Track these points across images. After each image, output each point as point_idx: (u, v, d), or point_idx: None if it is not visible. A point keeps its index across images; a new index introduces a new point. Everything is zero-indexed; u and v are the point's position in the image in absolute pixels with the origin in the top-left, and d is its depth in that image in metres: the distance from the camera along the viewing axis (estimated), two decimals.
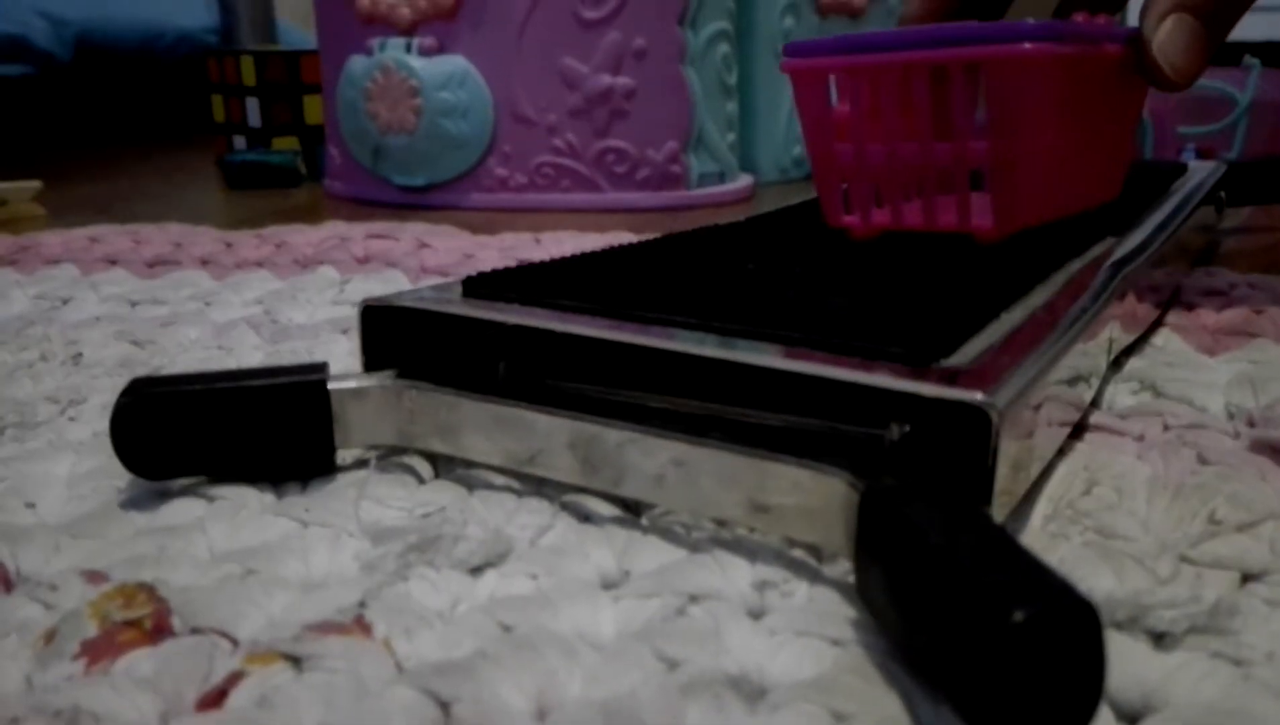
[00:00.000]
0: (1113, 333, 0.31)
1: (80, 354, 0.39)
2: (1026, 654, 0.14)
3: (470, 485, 0.25)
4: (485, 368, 0.26)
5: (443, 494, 0.25)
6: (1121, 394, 0.32)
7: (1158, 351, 0.36)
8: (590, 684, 0.17)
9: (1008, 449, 0.20)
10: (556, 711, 0.17)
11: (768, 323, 0.23)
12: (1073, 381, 0.26)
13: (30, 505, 0.25)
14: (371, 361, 0.28)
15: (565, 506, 0.24)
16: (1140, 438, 0.27)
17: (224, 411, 0.25)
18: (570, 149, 0.79)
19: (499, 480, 0.25)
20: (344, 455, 0.27)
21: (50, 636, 0.19)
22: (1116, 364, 0.34)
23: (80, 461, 0.28)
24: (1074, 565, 0.21)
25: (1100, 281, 0.30)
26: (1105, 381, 0.32)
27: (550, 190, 0.80)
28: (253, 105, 0.99)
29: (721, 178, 0.85)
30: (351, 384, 0.26)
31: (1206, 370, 0.34)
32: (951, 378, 0.21)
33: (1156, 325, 0.39)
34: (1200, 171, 0.54)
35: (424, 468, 0.27)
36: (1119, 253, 0.34)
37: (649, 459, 0.23)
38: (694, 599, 0.20)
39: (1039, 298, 0.27)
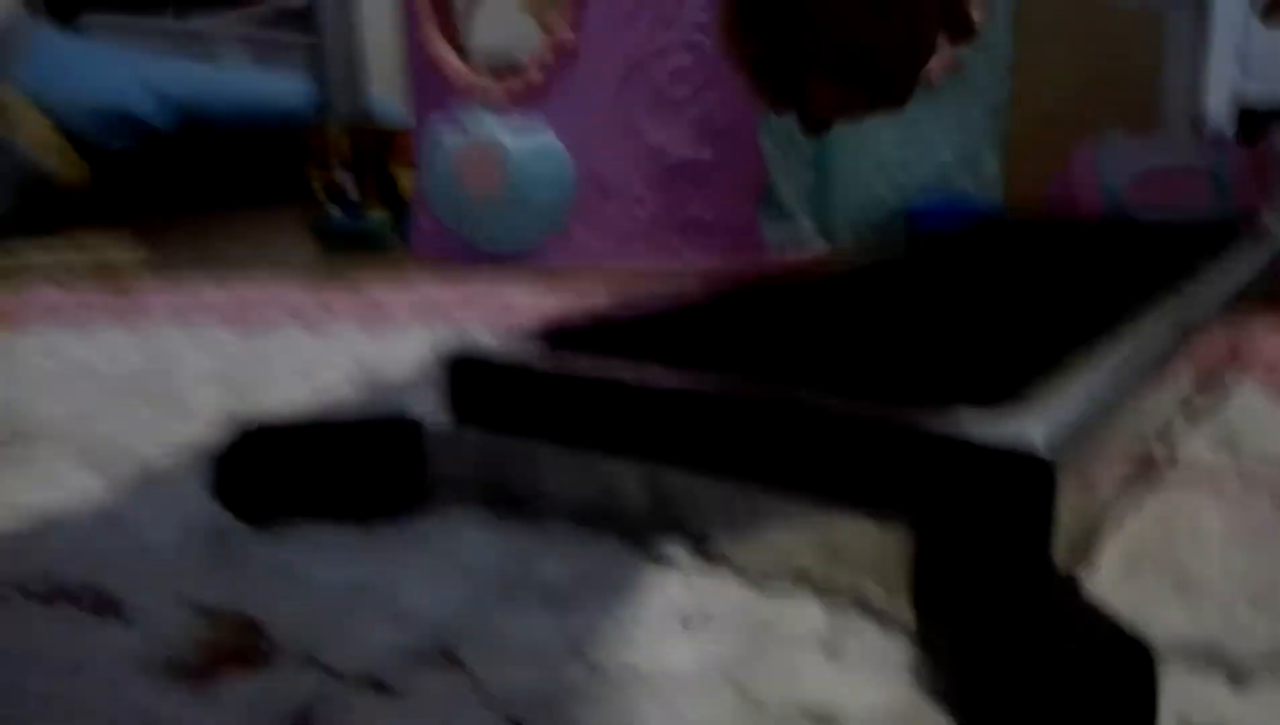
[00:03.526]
0: (1183, 379, 0.31)
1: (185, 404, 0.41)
2: (1077, 694, 0.15)
3: (548, 526, 0.26)
4: (565, 415, 0.27)
5: (523, 535, 0.26)
6: (1196, 440, 0.32)
7: (1232, 397, 0.36)
8: (672, 718, 0.18)
9: (1070, 497, 0.20)
10: None
11: (829, 370, 0.24)
12: (1140, 428, 0.26)
13: (138, 540, 0.27)
14: (457, 409, 0.29)
15: (640, 546, 0.25)
16: (1215, 483, 0.27)
17: (321, 456, 0.27)
18: (649, 217, 0.82)
19: (574, 521, 0.26)
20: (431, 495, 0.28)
21: (158, 661, 0.20)
22: (1190, 410, 0.34)
23: (185, 502, 0.29)
24: (1149, 606, 0.21)
25: (1170, 327, 0.30)
26: (1177, 429, 0.32)
27: (628, 255, 0.82)
28: (347, 177, 1.05)
29: (797, 243, 0.87)
30: (443, 429, 0.28)
31: None
32: (1012, 427, 0.21)
33: (1230, 371, 0.39)
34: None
35: (506, 508, 0.28)
36: (1189, 298, 0.33)
37: (717, 504, 0.23)
38: (768, 633, 0.21)
39: (1106, 344, 0.27)
